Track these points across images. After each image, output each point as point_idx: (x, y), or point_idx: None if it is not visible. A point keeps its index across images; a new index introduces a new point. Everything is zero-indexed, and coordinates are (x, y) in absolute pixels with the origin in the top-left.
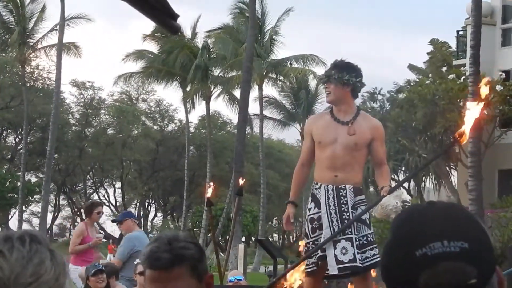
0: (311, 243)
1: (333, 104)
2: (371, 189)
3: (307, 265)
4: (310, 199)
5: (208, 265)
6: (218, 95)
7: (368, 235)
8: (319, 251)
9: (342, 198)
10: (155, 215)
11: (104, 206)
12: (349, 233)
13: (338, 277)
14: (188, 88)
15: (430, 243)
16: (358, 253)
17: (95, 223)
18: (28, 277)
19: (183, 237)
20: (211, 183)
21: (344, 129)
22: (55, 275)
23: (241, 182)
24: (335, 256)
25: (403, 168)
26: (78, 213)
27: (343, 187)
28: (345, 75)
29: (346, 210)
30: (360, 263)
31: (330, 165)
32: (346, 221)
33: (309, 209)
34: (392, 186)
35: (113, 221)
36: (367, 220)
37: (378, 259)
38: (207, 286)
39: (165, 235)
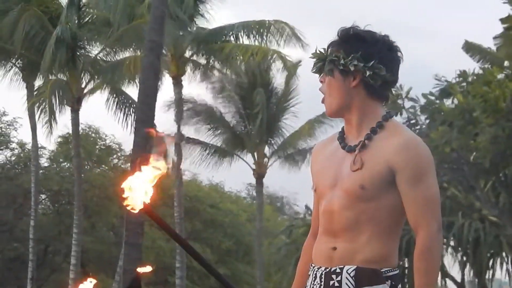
0: None
1: (337, 117)
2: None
3: None
4: None
5: None
6: (92, 93)
7: None
8: None
9: None
10: None
11: None
12: None
13: None
14: (38, 82)
15: None
16: None
17: None
18: None
19: None
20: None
21: (349, 160)
22: None
23: (142, 269)
24: None
25: (451, 243)
26: None
27: (338, 270)
28: (351, 56)
29: None
30: None
31: (326, 229)
32: None
33: None
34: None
35: None
36: None
37: None
38: None
39: None
